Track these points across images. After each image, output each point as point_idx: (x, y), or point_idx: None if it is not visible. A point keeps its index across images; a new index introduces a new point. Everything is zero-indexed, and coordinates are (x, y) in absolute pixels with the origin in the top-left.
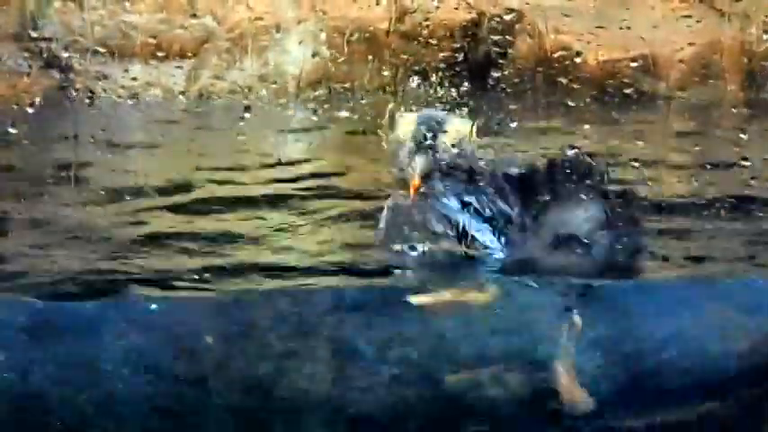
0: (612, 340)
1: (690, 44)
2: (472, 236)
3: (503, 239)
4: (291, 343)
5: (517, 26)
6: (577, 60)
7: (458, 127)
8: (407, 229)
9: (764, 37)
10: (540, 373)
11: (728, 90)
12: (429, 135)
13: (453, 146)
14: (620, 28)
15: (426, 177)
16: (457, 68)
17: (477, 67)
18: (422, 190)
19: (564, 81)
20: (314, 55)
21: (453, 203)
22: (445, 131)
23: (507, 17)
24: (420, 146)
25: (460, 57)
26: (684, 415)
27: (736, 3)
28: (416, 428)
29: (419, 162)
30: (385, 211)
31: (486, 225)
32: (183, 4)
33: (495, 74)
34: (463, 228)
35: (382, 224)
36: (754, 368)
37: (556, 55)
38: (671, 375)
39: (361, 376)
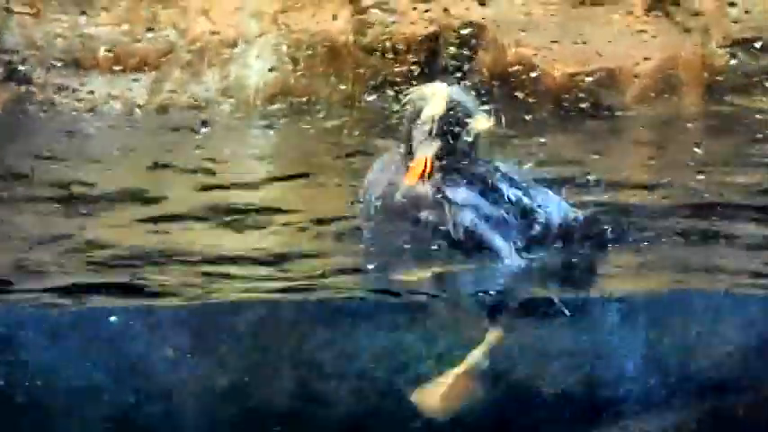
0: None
1: (646, 59)
2: (481, 241)
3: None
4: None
5: (477, 40)
6: (534, 75)
7: (480, 122)
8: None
9: (720, 51)
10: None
11: (687, 104)
12: (456, 121)
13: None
14: (578, 42)
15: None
16: (414, 82)
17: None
18: (429, 183)
19: (521, 95)
20: (271, 69)
21: (468, 209)
22: (469, 123)
23: (466, 31)
24: (445, 130)
25: (417, 71)
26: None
27: (695, 17)
28: None
29: (434, 146)
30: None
31: (498, 232)
32: (145, 17)
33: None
34: (474, 233)
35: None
36: None
37: (515, 69)
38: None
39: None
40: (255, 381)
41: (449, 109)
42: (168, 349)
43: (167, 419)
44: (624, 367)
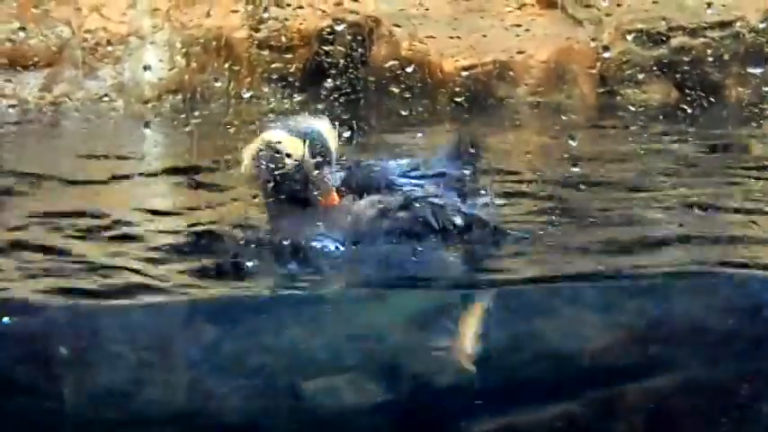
0: None
1: (541, 50)
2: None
3: None
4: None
5: (371, 34)
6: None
7: (330, 133)
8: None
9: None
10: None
11: (577, 95)
12: (320, 147)
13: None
14: (455, 36)
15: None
16: (290, 78)
17: (311, 76)
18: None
19: (396, 89)
20: (170, 67)
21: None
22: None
23: (360, 24)
24: (320, 160)
25: (293, 67)
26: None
27: (587, 9)
28: None
29: (329, 175)
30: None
31: None
32: (38, 14)
33: (329, 83)
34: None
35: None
36: None
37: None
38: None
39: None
40: None
41: (310, 139)
42: None
43: None
44: None
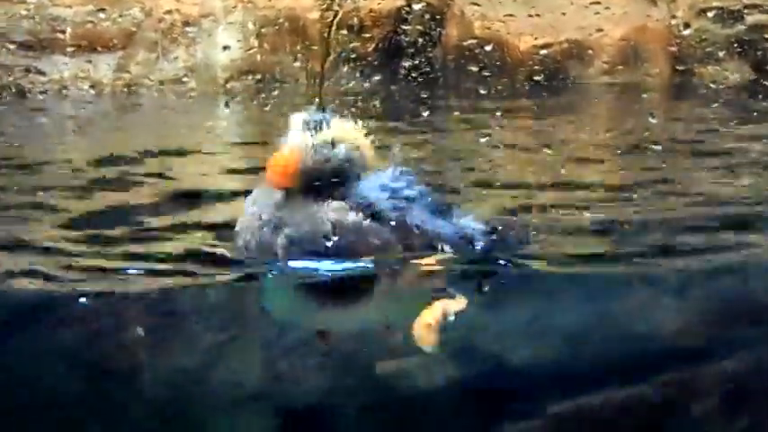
0: None
1: (617, 28)
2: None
3: None
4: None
5: (443, 15)
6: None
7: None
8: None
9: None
10: None
11: (654, 74)
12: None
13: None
14: (533, 14)
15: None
16: (368, 59)
17: (387, 56)
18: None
19: (475, 68)
20: (244, 48)
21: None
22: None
23: (434, 4)
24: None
25: (371, 47)
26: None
27: None
28: None
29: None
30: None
31: None
32: None
33: (407, 63)
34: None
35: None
36: None
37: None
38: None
39: None
40: None
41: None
42: None
43: None
44: None
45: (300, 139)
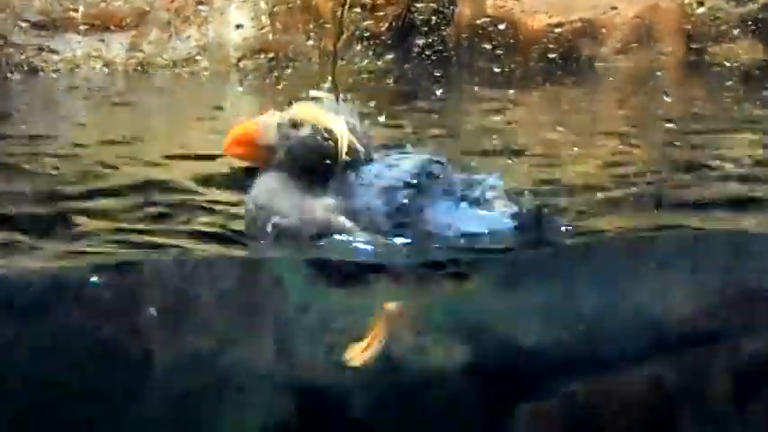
0: None
1: (630, 7)
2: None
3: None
4: None
5: None
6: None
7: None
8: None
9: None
10: None
11: (667, 53)
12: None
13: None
14: None
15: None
16: (382, 37)
17: (401, 34)
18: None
19: (488, 47)
20: (257, 27)
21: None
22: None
23: None
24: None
25: (384, 25)
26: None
27: None
28: None
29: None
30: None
31: None
32: None
33: (420, 41)
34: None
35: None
36: None
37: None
38: None
39: None
40: None
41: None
42: None
43: None
44: None
45: (270, 116)
